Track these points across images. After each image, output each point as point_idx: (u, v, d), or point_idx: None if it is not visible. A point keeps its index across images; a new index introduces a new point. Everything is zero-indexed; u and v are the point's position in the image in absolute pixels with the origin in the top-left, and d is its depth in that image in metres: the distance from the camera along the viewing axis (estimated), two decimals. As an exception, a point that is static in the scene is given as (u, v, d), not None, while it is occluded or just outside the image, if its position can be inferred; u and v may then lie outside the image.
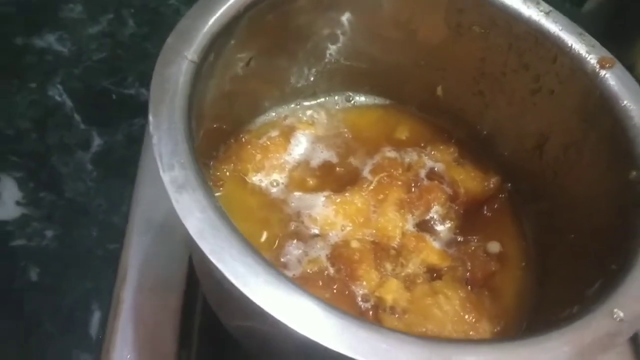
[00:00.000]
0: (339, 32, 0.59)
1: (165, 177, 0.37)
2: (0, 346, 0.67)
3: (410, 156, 0.63)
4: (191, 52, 0.44)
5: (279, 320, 0.34)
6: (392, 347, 0.34)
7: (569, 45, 0.53)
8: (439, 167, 0.62)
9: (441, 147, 0.63)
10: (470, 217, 0.60)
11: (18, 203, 0.77)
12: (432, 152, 0.63)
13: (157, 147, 0.38)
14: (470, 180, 0.61)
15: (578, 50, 0.53)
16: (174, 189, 0.37)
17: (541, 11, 0.54)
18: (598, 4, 0.95)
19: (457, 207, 0.60)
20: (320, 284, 0.53)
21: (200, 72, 0.45)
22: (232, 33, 0.49)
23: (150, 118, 0.40)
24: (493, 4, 0.55)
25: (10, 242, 0.74)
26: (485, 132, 0.63)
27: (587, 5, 0.97)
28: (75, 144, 0.83)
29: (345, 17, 0.58)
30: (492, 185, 0.61)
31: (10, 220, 0.75)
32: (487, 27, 0.56)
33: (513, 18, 0.55)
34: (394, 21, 0.59)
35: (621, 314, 0.39)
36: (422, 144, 0.64)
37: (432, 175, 0.62)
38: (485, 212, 0.61)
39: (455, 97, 0.63)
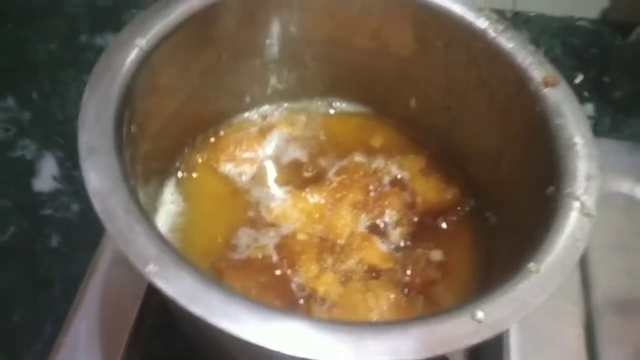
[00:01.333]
0: (312, 37, 0.62)
1: (81, 140, 0.43)
2: (8, 300, 0.75)
3: (378, 163, 0.65)
4: (142, 40, 0.50)
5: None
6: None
7: (518, 62, 0.54)
8: (403, 175, 0.64)
9: (411, 157, 0.65)
10: (424, 226, 0.62)
11: (54, 178, 0.86)
12: (401, 161, 0.65)
13: (81, 114, 0.44)
14: (430, 191, 0.63)
15: (526, 67, 0.53)
16: (86, 152, 0.42)
17: (497, 28, 0.55)
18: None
19: (411, 215, 0.62)
20: (258, 268, 0.57)
21: (150, 60, 0.50)
22: (192, 28, 0.54)
23: (85, 89, 0.45)
24: (451, 19, 0.56)
25: (40, 211, 0.83)
26: (453, 147, 0.64)
27: (632, 36, 0.94)
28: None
29: (316, 22, 0.61)
30: (449, 197, 0.62)
31: (45, 192, 0.84)
32: (448, 42, 0.58)
33: (470, 34, 0.56)
34: (366, 30, 0.62)
35: (481, 316, 0.40)
36: (394, 153, 0.66)
37: (395, 182, 0.64)
38: (441, 223, 0.62)
39: (427, 111, 0.65)
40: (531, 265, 0.43)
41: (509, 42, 0.55)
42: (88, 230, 0.82)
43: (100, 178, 0.42)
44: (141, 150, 0.53)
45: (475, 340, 0.39)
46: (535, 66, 0.53)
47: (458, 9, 0.57)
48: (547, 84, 0.52)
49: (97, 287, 0.64)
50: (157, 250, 0.39)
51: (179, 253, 0.41)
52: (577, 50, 1.03)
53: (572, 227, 0.45)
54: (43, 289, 0.77)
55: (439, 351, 0.39)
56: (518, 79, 0.54)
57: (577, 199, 0.46)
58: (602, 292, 0.64)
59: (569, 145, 0.49)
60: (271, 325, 0.38)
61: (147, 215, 0.42)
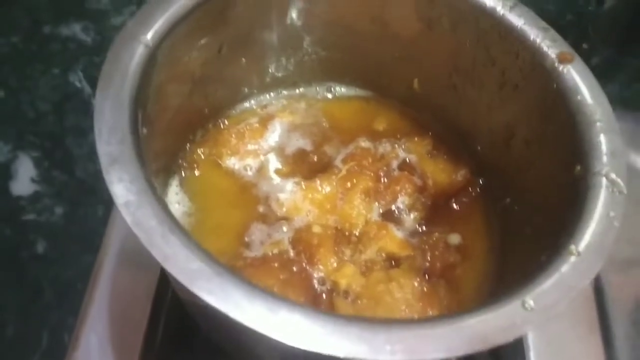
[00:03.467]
0: (312, 23, 0.60)
1: (101, 150, 0.40)
2: (1, 312, 0.72)
3: (384, 147, 0.64)
4: (146, 37, 0.47)
5: (228, 316, 0.36)
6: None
7: (531, 39, 0.53)
8: (411, 158, 0.63)
9: (416, 140, 0.64)
10: (437, 209, 0.61)
11: (32, 180, 0.82)
12: (406, 144, 0.64)
13: (97, 123, 0.41)
14: (440, 172, 0.62)
15: (539, 45, 0.53)
16: (108, 162, 0.40)
17: (505, 5, 0.54)
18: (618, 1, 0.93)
19: (424, 199, 0.61)
20: (277, 265, 0.55)
21: (155, 56, 0.47)
22: (194, 21, 0.51)
23: (97, 96, 0.43)
24: (460, -4, 0.55)
25: (22, 216, 0.79)
26: (460, 127, 0.64)
27: (608, 3, 0.95)
28: (90, 128, 0.86)
29: (317, 8, 0.59)
30: (460, 178, 0.62)
31: (24, 195, 0.80)
32: (456, 20, 0.57)
33: (479, 11, 0.55)
34: (367, 13, 0.60)
35: (532, 304, 0.40)
36: (399, 136, 0.65)
37: (404, 166, 0.63)
38: (453, 205, 0.62)
39: (431, 91, 0.64)
40: (572, 248, 0.42)
41: (519, 19, 0.54)
42: (75, 233, 0.79)
43: (127, 189, 0.39)
44: (150, 151, 0.51)
45: (528, 327, 0.39)
46: (548, 43, 0.53)
47: (464, -14, 0.55)
48: (562, 60, 0.52)
49: (103, 294, 0.61)
50: (198, 263, 0.37)
51: (219, 262, 0.39)
52: (552, 16, 1.03)
53: (605, 206, 0.45)
54: (34, 298, 0.74)
55: (494, 342, 0.38)
56: (531, 56, 0.53)
57: (606, 176, 0.46)
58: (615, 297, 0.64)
59: (590, 122, 0.49)
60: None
61: (178, 223, 0.40)
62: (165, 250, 0.37)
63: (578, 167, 0.47)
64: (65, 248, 0.77)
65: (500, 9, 0.54)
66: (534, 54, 0.53)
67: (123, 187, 0.39)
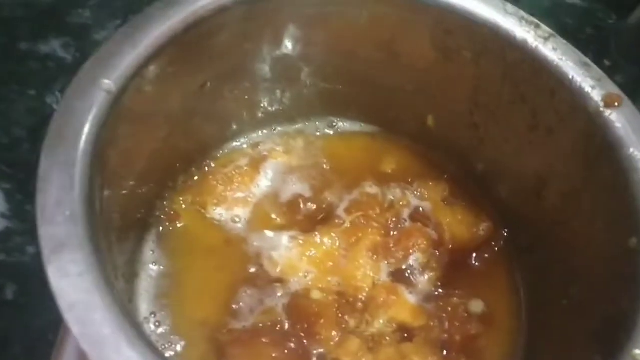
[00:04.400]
0: (310, 52, 0.52)
1: (42, 232, 0.32)
2: (-37, 367, 0.65)
3: (394, 193, 0.56)
4: (108, 81, 0.38)
5: None
6: None
7: (570, 77, 0.45)
8: (425, 206, 0.55)
9: (430, 184, 0.56)
10: (455, 267, 0.54)
11: (3, 215, 0.75)
12: (419, 189, 0.56)
13: (40, 196, 0.33)
14: (458, 224, 0.54)
15: (580, 84, 0.44)
16: (51, 248, 0.32)
17: (539, 36, 0.46)
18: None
19: (441, 255, 0.53)
20: (269, 340, 0.47)
21: (120, 103, 0.39)
22: (169, 57, 0.43)
23: (41, 162, 0.34)
24: (484, 26, 0.47)
25: (-10, 257, 0.71)
26: (480, 169, 0.56)
27: (632, 18, 0.87)
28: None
29: (316, 36, 0.51)
30: (482, 232, 0.54)
31: (-7, 233, 0.72)
32: (478, 52, 0.49)
33: (507, 43, 0.47)
34: (374, 41, 0.52)
35: None
36: (410, 179, 0.57)
37: (416, 216, 0.55)
38: (473, 262, 0.54)
39: (448, 129, 0.56)
40: (636, 354, 0.34)
41: (554, 53, 0.46)
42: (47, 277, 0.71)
43: (73, 286, 0.31)
44: (115, 207, 0.42)
45: None
46: (591, 82, 0.44)
47: (488, 14, 0.47)
48: (608, 104, 0.43)
49: (74, 349, 0.53)
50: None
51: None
52: (571, 30, 0.96)
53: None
54: (1, 350, 0.66)
55: None
56: (570, 96, 0.45)
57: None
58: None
59: (646, 182, 0.40)
60: None
61: (140, 330, 0.31)
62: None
63: (633, 240, 0.39)
64: (37, 293, 0.69)
65: (532, 41, 0.46)
66: (574, 94, 0.45)
67: (69, 284, 0.31)
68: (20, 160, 0.80)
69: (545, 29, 0.47)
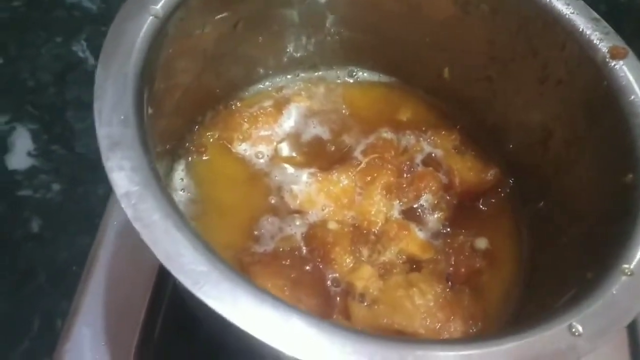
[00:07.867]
0: (337, 0, 0.55)
1: (100, 132, 0.35)
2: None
3: (408, 139, 0.59)
4: (156, 7, 0.42)
5: (240, 328, 0.32)
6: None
7: (580, 30, 0.48)
8: (437, 153, 0.59)
9: (443, 133, 0.60)
10: (463, 209, 0.57)
11: (29, 154, 0.78)
12: (432, 137, 0.59)
13: (97, 102, 0.36)
14: (468, 170, 0.57)
15: (589, 37, 0.48)
16: (108, 146, 0.35)
17: (553, -9, 0.49)
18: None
19: (450, 198, 0.57)
20: (289, 263, 0.51)
21: (165, 29, 0.42)
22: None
23: (98, 71, 0.38)
24: (501, -19, 0.50)
25: (17, 192, 0.75)
26: (491, 122, 0.59)
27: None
28: (92, 102, 0.84)
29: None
30: (490, 178, 0.57)
31: (20, 170, 0.76)
32: (496, 6, 0.52)
33: (522, -3, 0.50)
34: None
35: (580, 329, 0.35)
36: (424, 128, 0.60)
37: (428, 161, 0.58)
38: (480, 205, 0.57)
39: (462, 82, 0.59)
40: (624, 268, 0.37)
41: (567, 8, 0.49)
42: (72, 212, 0.74)
43: (128, 178, 0.34)
44: (155, 132, 0.46)
45: (575, 355, 0.34)
46: (599, 35, 0.48)
47: (508, -31, 0.50)
48: (614, 55, 0.47)
49: (99, 281, 0.57)
50: (206, 265, 0.33)
51: (229, 264, 0.34)
52: (584, 8, 0.98)
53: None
54: (26, 279, 0.70)
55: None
56: (579, 49, 0.48)
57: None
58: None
59: (645, 126, 0.44)
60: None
61: (184, 218, 0.35)
62: (169, 249, 0.33)
63: (630, 176, 0.43)
64: (62, 228, 0.73)
65: (547, -4, 0.49)
66: (582, 47, 0.48)
67: (124, 176, 0.34)
68: (46, 102, 0.83)
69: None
